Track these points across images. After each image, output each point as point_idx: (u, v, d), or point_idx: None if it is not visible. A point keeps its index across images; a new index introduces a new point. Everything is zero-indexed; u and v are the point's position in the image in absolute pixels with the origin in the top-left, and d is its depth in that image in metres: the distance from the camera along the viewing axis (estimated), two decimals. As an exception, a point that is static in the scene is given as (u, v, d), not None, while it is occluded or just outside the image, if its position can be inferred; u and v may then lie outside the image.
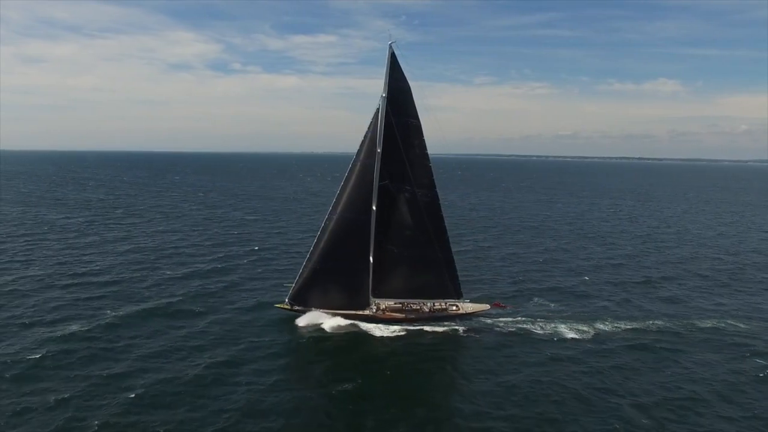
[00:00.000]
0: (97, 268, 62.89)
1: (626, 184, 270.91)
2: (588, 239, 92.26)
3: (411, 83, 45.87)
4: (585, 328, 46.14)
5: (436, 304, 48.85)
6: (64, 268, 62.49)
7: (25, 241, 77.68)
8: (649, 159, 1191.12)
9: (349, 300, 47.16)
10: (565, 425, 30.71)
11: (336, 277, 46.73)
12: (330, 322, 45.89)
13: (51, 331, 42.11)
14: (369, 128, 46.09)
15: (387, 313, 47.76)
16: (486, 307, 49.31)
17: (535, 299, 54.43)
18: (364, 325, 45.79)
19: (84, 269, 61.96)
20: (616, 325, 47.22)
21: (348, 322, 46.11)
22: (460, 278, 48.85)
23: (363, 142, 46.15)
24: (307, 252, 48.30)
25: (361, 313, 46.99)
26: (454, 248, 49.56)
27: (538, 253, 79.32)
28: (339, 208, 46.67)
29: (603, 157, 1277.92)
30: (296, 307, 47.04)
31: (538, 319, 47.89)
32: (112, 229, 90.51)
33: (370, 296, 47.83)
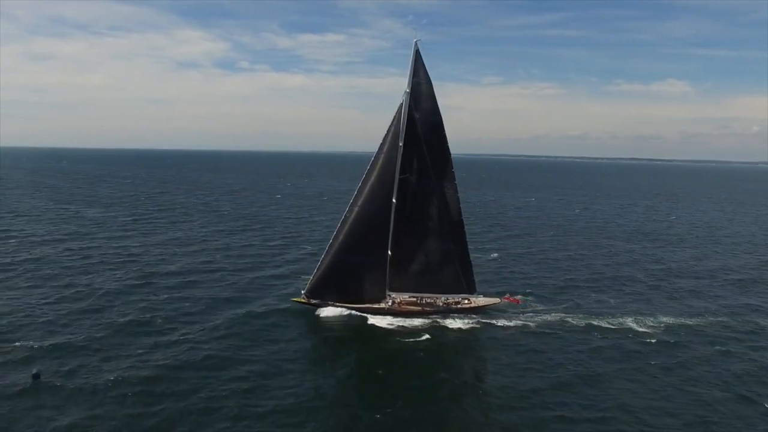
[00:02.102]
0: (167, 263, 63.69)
1: (654, 186, 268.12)
2: (616, 239, 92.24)
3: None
4: (610, 324, 46.08)
5: (449, 297, 49.20)
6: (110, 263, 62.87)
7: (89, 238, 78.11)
8: (658, 160, 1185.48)
9: (366, 293, 47.41)
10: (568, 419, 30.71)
11: (354, 270, 46.93)
12: (345, 315, 46.21)
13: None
14: (392, 123, 46.81)
15: (402, 306, 48.11)
16: (497, 300, 49.73)
17: (562, 295, 54.56)
18: (379, 318, 46.01)
19: (154, 268, 61.77)
20: (649, 321, 47.08)
21: (363, 315, 46.45)
22: (474, 272, 49.12)
23: (386, 135, 46.85)
24: (327, 245, 48.46)
25: (377, 306, 47.34)
26: (471, 244, 49.74)
27: (569, 252, 78.87)
28: (360, 201, 47.05)
29: (612, 158, 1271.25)
30: (313, 301, 47.31)
31: (555, 314, 48.12)
32: (158, 226, 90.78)
33: (387, 290, 48.15)
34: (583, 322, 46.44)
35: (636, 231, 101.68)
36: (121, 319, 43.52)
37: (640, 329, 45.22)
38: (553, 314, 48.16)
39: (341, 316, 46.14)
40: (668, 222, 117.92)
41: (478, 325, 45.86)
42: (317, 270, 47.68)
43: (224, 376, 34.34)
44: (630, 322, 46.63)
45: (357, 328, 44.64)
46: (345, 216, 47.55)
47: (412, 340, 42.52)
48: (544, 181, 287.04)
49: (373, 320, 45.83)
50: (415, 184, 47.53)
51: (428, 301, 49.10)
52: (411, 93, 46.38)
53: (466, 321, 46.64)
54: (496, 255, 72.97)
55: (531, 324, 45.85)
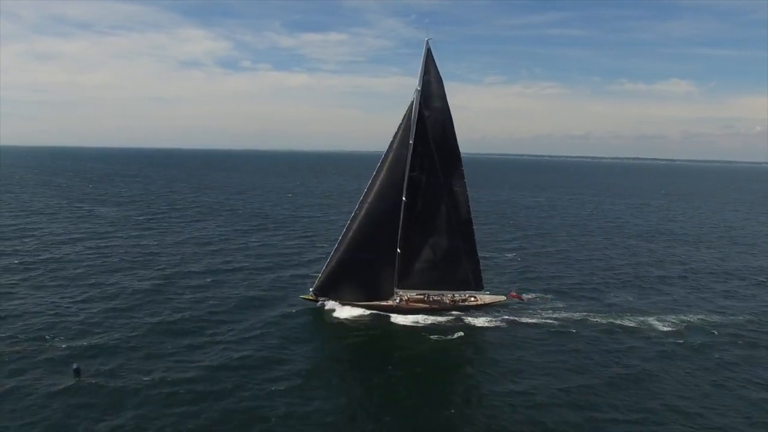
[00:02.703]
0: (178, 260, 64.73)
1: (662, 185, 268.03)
2: (634, 238, 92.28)
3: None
4: (621, 322, 46.43)
5: (456, 295, 49.43)
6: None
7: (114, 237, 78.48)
8: (662, 160, 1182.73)
9: (375, 291, 47.43)
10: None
11: (362, 267, 46.98)
12: (353, 312, 46.30)
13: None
14: (402, 120, 47.11)
15: (410, 304, 48.32)
16: (502, 298, 50.09)
17: (562, 293, 54.89)
18: (387, 315, 46.10)
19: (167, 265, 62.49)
20: (674, 319, 47.20)
21: (371, 312, 46.55)
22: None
23: (396, 133, 47.04)
24: (336, 243, 48.32)
25: (385, 303, 47.52)
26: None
27: (581, 251, 78.86)
28: (370, 198, 47.13)
29: (615, 158, 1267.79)
30: (321, 299, 47.37)
31: (579, 312, 48.29)
32: (173, 225, 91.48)
33: (395, 287, 48.36)
34: (606, 321, 46.60)
35: (653, 230, 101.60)
36: (151, 319, 43.89)
37: (665, 328, 45.03)
38: (577, 312, 48.22)
39: (351, 314, 46.18)
40: (683, 221, 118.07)
41: (483, 322, 45.87)
42: (326, 267, 47.80)
43: (260, 376, 34.42)
44: (653, 320, 46.72)
45: (362, 325, 44.57)
46: (355, 213, 47.64)
47: (417, 336, 42.72)
48: (550, 180, 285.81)
49: (380, 317, 45.90)
50: (424, 182, 47.80)
51: (435, 298, 49.32)
52: (422, 91, 46.75)
53: (490, 319, 46.45)
54: (513, 254, 72.70)
55: (554, 323, 45.77)
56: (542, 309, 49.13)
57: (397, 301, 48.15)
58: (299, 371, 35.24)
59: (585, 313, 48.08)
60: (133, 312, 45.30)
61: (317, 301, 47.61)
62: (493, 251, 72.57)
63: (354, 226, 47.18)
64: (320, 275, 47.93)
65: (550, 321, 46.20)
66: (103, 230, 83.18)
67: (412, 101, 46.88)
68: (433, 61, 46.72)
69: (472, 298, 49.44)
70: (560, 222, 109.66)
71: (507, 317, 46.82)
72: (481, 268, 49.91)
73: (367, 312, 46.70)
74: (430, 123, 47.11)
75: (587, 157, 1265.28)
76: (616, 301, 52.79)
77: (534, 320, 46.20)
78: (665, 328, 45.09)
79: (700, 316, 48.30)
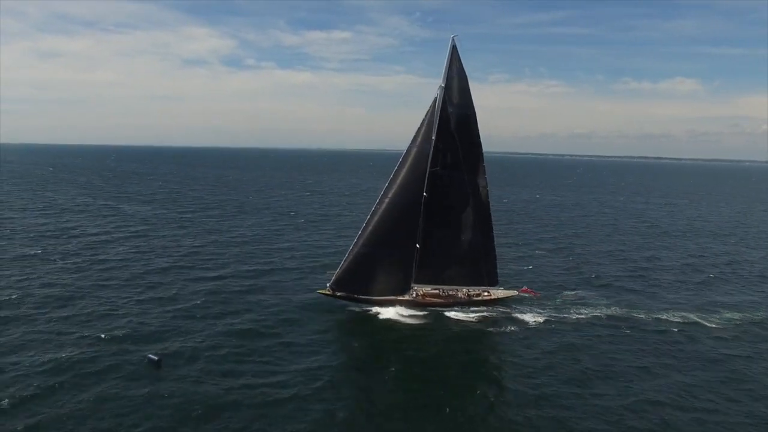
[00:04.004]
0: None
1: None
2: (670, 236, 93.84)
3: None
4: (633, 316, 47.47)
5: (471, 290, 50.11)
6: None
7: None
8: (667, 159, 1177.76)
9: (392, 286, 47.79)
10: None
11: (381, 263, 47.29)
12: (370, 307, 46.80)
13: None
14: (426, 116, 47.63)
15: (426, 299, 48.88)
16: (515, 293, 50.79)
17: (578, 290, 55.72)
18: (402, 311, 46.60)
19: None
20: (717, 318, 48.03)
21: (388, 307, 46.99)
22: (498, 266, 50.56)
23: (419, 128, 47.55)
24: (355, 237, 48.70)
25: (401, 298, 47.99)
26: (500, 238, 51.16)
27: (608, 248, 79.99)
28: (391, 193, 47.51)
29: (620, 157, 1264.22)
30: (338, 293, 47.75)
31: (573, 307, 49.29)
32: (207, 223, 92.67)
33: (412, 282, 48.92)
34: (651, 317, 47.30)
35: (689, 229, 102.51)
36: (217, 321, 44.28)
37: (711, 325, 46.24)
38: (620, 309, 49.06)
39: (367, 309, 46.73)
40: (716, 220, 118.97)
41: (499, 317, 46.71)
42: (344, 262, 48.13)
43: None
44: (699, 318, 47.52)
45: (380, 320, 45.21)
46: (375, 208, 47.98)
47: (433, 331, 43.37)
48: (561, 179, 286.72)
49: (396, 312, 46.42)
50: (446, 177, 48.36)
51: (450, 293, 49.84)
52: (446, 88, 47.27)
53: (506, 314, 47.28)
54: (534, 250, 74.02)
55: (572, 318, 46.59)
56: (583, 306, 49.65)
57: (413, 295, 48.71)
58: (316, 368, 35.70)
59: (627, 310, 48.87)
60: (191, 308, 46.34)
61: (334, 296, 47.86)
62: (512, 247, 73.68)
63: (374, 221, 47.44)
64: (338, 270, 48.18)
65: (587, 318, 46.79)
66: (140, 229, 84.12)
67: (436, 97, 47.44)
68: (458, 57, 47.21)
69: (486, 293, 50.07)
70: (596, 221, 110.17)
71: (521, 313, 47.50)
72: (499, 263, 50.70)
73: (383, 307, 47.05)
74: (453, 119, 47.69)
75: (592, 156, 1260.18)
76: (666, 297, 53.88)
77: (548, 316, 46.78)
78: (709, 324, 46.14)
79: (742, 314, 48.96)
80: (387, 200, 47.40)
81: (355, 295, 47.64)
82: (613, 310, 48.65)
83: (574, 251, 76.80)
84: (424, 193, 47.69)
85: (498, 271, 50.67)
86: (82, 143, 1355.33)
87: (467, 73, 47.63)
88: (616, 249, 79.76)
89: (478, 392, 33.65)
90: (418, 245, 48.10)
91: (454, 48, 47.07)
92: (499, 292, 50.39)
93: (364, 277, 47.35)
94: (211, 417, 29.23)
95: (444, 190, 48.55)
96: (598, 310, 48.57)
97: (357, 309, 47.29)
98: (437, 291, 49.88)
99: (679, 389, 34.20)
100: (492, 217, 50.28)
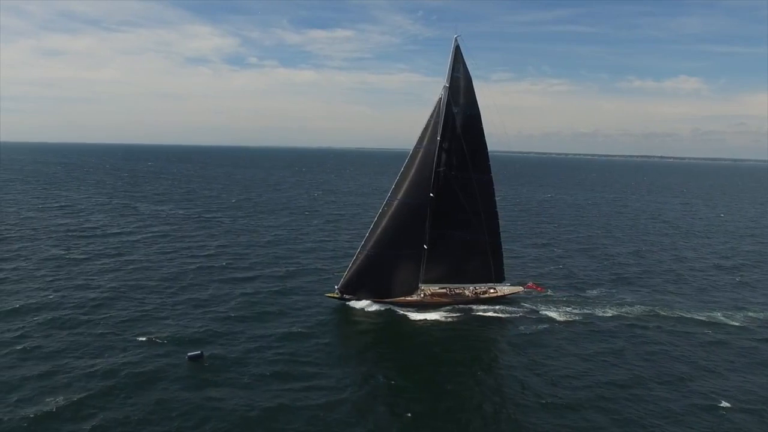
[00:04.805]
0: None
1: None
2: (702, 236, 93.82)
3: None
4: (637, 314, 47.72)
5: (477, 287, 50.42)
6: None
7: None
8: (670, 158, 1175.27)
9: (400, 287, 47.90)
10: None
11: (389, 264, 47.32)
12: (377, 308, 46.74)
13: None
14: (431, 116, 47.60)
15: (434, 298, 49.04)
16: (520, 289, 51.19)
17: (590, 288, 56.10)
18: (408, 311, 46.60)
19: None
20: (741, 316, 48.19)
21: (394, 308, 46.92)
22: (517, 265, 51.51)
23: (425, 129, 47.55)
24: (362, 240, 48.78)
25: (409, 299, 48.09)
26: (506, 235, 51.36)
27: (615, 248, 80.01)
28: (398, 194, 47.60)
29: (623, 155, 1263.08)
30: (346, 296, 47.80)
31: (576, 305, 49.59)
32: (225, 223, 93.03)
33: (420, 282, 49.05)
34: (675, 314, 47.75)
35: (721, 229, 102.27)
36: (252, 319, 44.82)
37: (734, 323, 46.24)
38: (652, 308, 49.32)
39: (374, 310, 46.67)
40: (745, 220, 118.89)
41: (506, 314, 46.94)
42: (352, 264, 48.21)
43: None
44: (722, 317, 47.53)
45: (388, 321, 45.18)
46: (382, 210, 48.05)
47: (440, 331, 43.47)
48: (575, 178, 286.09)
49: (404, 312, 46.50)
50: (452, 177, 48.51)
51: (457, 291, 50.07)
52: (450, 88, 47.36)
53: (513, 311, 47.40)
54: (542, 249, 74.32)
55: (574, 315, 46.97)
56: (562, 301, 50.23)
57: (421, 296, 48.82)
58: (323, 371, 35.69)
59: (651, 308, 49.26)
60: (230, 313, 45.94)
61: (342, 298, 47.93)
62: (520, 244, 74.48)
63: (381, 223, 47.57)
64: (346, 273, 48.29)
65: (572, 312, 47.37)
66: (162, 229, 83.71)
67: (440, 98, 47.40)
68: (462, 57, 47.29)
69: (492, 290, 50.36)
70: (618, 223, 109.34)
71: (529, 310, 47.89)
72: (509, 260, 50.93)
73: (391, 308, 47.07)
74: (458, 119, 47.75)
75: (596, 155, 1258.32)
76: (650, 295, 54.03)
77: (555, 313, 47.28)
78: (732, 322, 46.10)
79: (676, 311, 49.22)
80: (394, 202, 47.57)
81: (364, 298, 47.61)
82: (647, 310, 48.76)
83: (600, 250, 76.97)
84: (431, 194, 47.82)
85: (507, 268, 51.18)
86: (86, 141, 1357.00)
87: (471, 72, 47.92)
88: (641, 248, 79.69)
89: (484, 395, 33.41)
90: (425, 246, 48.22)
91: (457, 48, 47.25)
92: (505, 289, 50.77)
93: (373, 279, 47.31)
94: (267, 419, 29.26)
95: (450, 190, 48.80)
96: (629, 309, 48.71)
97: (363, 310, 47.04)
98: (445, 290, 50.16)
99: (736, 390, 34.21)
100: (499, 215, 50.68)
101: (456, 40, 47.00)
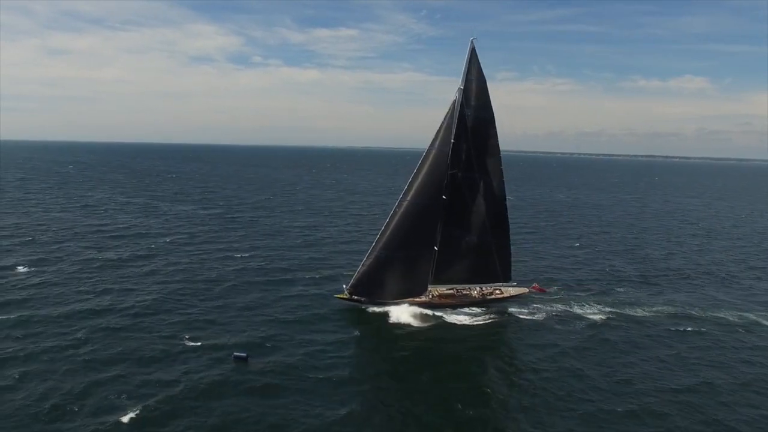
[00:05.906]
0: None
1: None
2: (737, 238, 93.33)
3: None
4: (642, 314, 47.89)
5: (484, 288, 50.54)
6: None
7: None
8: (675, 157, 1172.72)
9: (410, 288, 47.77)
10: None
11: (399, 265, 47.25)
12: (386, 310, 46.63)
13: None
14: (445, 118, 47.61)
15: (442, 299, 49.18)
16: (526, 290, 51.21)
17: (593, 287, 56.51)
18: (416, 312, 46.44)
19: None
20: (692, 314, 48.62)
21: (404, 308, 46.74)
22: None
23: (438, 131, 47.52)
24: (373, 240, 48.66)
25: (418, 299, 48.06)
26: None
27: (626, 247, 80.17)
28: (410, 195, 47.51)
29: (628, 155, 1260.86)
30: (355, 297, 47.68)
31: (582, 304, 50.09)
32: (251, 223, 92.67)
33: (429, 283, 48.97)
34: (708, 315, 47.89)
35: (753, 231, 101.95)
36: (306, 321, 44.82)
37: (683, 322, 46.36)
38: (669, 308, 49.56)
39: (383, 311, 46.60)
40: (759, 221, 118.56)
41: (512, 315, 47.00)
42: (362, 265, 48.10)
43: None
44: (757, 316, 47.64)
45: (396, 322, 45.10)
46: (394, 211, 48.00)
47: (448, 331, 43.43)
48: (583, 178, 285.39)
49: (413, 313, 46.24)
50: (465, 179, 48.47)
51: (464, 292, 50.21)
52: (464, 90, 47.38)
53: (519, 312, 47.49)
54: (547, 249, 73.73)
55: (583, 315, 47.14)
56: (566, 302, 50.47)
57: (429, 297, 48.81)
58: (331, 374, 35.48)
59: (679, 308, 49.30)
60: (264, 309, 46.55)
61: (351, 300, 47.82)
62: (527, 244, 73.86)
63: (393, 224, 47.52)
64: (356, 274, 48.18)
65: (576, 313, 47.67)
66: (192, 231, 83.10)
67: (454, 100, 47.43)
68: (477, 60, 47.28)
69: (498, 291, 50.50)
70: (647, 226, 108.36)
71: (534, 311, 48.17)
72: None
73: (399, 308, 46.81)
74: (471, 122, 47.72)
75: (601, 155, 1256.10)
76: (654, 297, 53.85)
77: (558, 313, 47.58)
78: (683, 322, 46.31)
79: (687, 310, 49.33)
80: (406, 203, 47.49)
81: (373, 299, 47.54)
82: (664, 310, 48.98)
83: (630, 252, 76.63)
84: (443, 196, 47.64)
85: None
86: (90, 140, 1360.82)
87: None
88: (673, 250, 79.65)
89: (489, 396, 33.33)
90: (436, 248, 48.19)
91: (473, 50, 47.17)
92: (510, 290, 50.87)
93: (383, 280, 47.26)
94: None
95: (463, 193, 48.74)
96: (650, 309, 49.05)
97: (373, 312, 47.00)
98: (452, 291, 50.25)
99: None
100: (508, 217, 50.72)
101: (472, 42, 47.02)
